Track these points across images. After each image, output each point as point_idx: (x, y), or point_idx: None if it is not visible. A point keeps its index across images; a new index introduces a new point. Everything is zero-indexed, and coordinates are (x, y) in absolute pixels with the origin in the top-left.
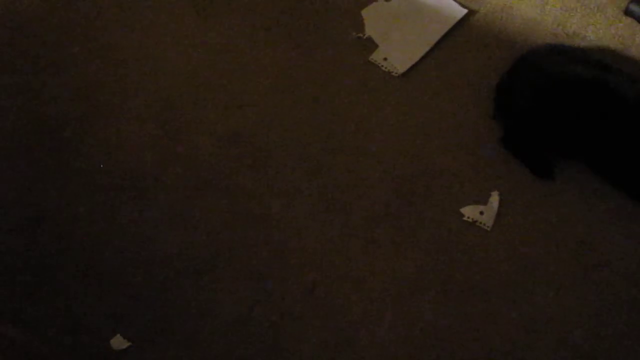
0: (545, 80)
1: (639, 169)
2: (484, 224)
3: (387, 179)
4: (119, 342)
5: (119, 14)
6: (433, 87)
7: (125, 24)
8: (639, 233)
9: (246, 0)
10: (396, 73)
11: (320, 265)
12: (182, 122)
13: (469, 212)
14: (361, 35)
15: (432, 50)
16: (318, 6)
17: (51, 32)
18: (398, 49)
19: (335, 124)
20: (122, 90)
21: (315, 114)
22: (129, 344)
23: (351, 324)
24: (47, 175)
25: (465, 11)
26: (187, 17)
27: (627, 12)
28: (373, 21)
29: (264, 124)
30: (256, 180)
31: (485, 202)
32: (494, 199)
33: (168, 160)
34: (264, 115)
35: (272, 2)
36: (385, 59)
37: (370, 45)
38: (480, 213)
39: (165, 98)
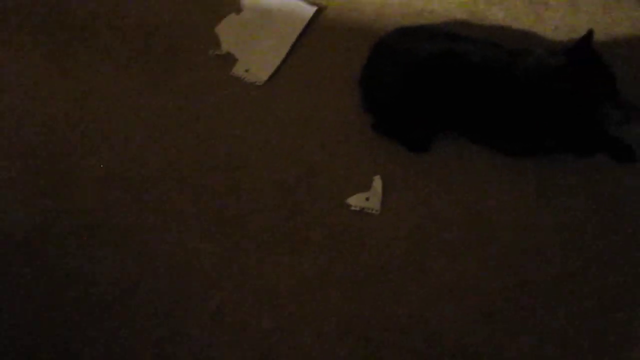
0: (400, 62)
1: (502, 124)
2: (372, 209)
3: (270, 187)
4: None
5: None
6: (299, 88)
7: None
8: (518, 185)
9: (99, 44)
10: (260, 82)
11: (223, 285)
12: (60, 171)
13: (355, 201)
14: (219, 52)
15: (290, 53)
16: (170, 34)
17: None
18: (257, 59)
19: (210, 143)
20: None
21: (187, 137)
22: None
23: (265, 336)
24: None
25: (314, 9)
26: (44, 67)
27: None
28: (228, 36)
29: (140, 158)
30: (140, 215)
31: (369, 188)
32: (377, 183)
33: (52, 214)
34: (138, 150)
35: (125, 37)
36: (246, 70)
37: (230, 60)
38: (366, 199)
39: (35, 151)
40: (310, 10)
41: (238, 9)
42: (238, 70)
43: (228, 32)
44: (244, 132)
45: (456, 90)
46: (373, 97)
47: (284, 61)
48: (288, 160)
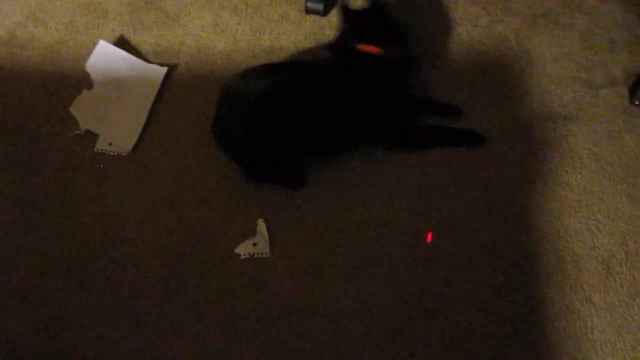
0: (240, 106)
1: (361, 117)
2: (262, 253)
3: (155, 257)
4: None
5: None
6: (166, 150)
7: None
8: (398, 195)
9: None
10: (126, 152)
11: None
12: None
13: (244, 249)
14: (78, 131)
15: (150, 117)
16: (25, 123)
17: None
18: (118, 130)
19: (87, 225)
20: None
21: (61, 223)
22: None
23: None
24: None
25: (165, 69)
26: None
27: (307, 11)
28: (84, 113)
29: (17, 253)
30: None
31: (255, 233)
32: (261, 227)
33: None
34: (14, 250)
35: None
36: (110, 144)
37: (92, 136)
38: (254, 245)
39: None
40: (161, 71)
41: (89, 84)
42: (101, 145)
43: (83, 110)
44: (118, 205)
45: (304, 112)
46: (228, 145)
47: (145, 127)
48: (169, 224)
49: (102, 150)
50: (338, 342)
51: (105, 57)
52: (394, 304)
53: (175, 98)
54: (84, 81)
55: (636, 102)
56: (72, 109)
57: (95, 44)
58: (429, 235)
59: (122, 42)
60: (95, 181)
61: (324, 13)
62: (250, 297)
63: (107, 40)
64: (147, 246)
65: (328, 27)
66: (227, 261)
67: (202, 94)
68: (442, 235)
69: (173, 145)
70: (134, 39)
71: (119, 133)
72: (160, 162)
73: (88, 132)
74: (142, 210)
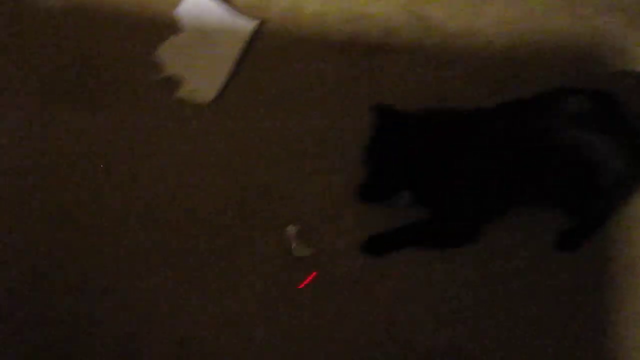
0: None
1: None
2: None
3: (225, 208)
4: None
5: None
6: (247, 105)
7: None
8: None
9: (32, 76)
10: (205, 102)
11: (185, 318)
12: None
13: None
14: (161, 76)
15: (236, 70)
16: (108, 62)
17: None
18: (201, 79)
19: (162, 169)
20: None
21: (138, 166)
22: None
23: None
24: None
25: (255, 22)
26: None
27: None
28: (169, 59)
29: (85, 201)
30: (90, 251)
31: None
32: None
33: None
34: (82, 192)
35: (57, 70)
36: (191, 91)
37: (175, 83)
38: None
39: None
40: (251, 24)
41: (177, 31)
42: (183, 92)
43: (169, 55)
44: (192, 153)
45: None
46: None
47: (230, 78)
48: (240, 181)
49: (182, 97)
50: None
51: (196, 4)
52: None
53: (262, 54)
54: (172, 27)
55: None
56: (158, 53)
57: None
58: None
59: None
60: (172, 127)
61: None
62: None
63: None
64: (218, 198)
65: (422, 0)
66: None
67: (289, 53)
68: None
69: (252, 102)
70: None
71: (201, 82)
72: (238, 118)
73: (171, 78)
74: (217, 162)
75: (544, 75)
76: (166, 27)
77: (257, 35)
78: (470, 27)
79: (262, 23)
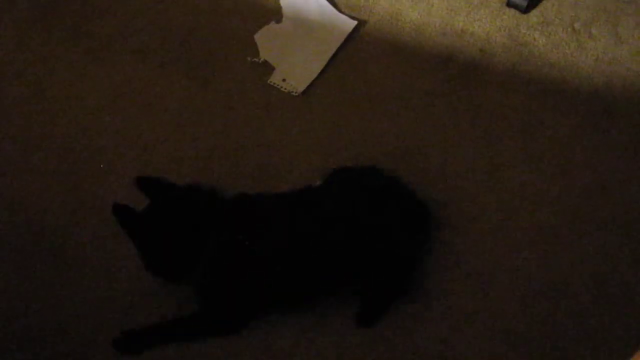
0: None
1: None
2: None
3: None
4: None
5: (4, 67)
6: (334, 101)
7: (23, 76)
8: None
9: (138, 41)
10: (296, 92)
11: None
12: (88, 170)
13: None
14: (257, 59)
15: (329, 65)
16: (209, 37)
17: None
18: (295, 69)
19: (242, 150)
20: (23, 141)
21: (220, 143)
22: None
23: None
24: None
25: (355, 23)
26: (79, 62)
27: (509, 3)
28: (267, 44)
29: (174, 160)
30: None
31: None
32: None
33: (78, 211)
34: (170, 153)
35: (163, 38)
36: (283, 79)
37: (268, 68)
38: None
39: (69, 145)
40: (351, 24)
41: (278, 18)
42: (275, 78)
43: (267, 40)
44: (275, 141)
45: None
46: None
47: (321, 73)
48: (315, 175)
49: (274, 84)
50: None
51: None
52: None
53: (357, 54)
54: (275, 13)
55: None
56: (256, 37)
57: None
58: None
59: None
60: (258, 111)
61: (526, 10)
62: None
63: None
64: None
65: (525, 25)
66: None
67: (384, 57)
68: None
69: (338, 100)
70: None
71: (295, 72)
72: (322, 113)
73: (265, 62)
74: (293, 151)
75: (637, 115)
76: (270, 11)
77: (352, 36)
78: (571, 60)
79: (360, 24)
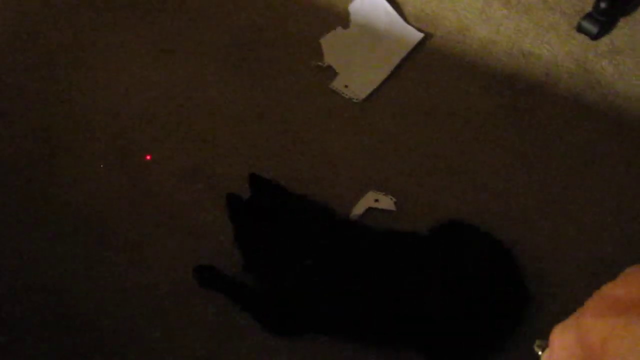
0: None
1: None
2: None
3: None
4: None
5: (79, 53)
6: (395, 112)
7: (85, 63)
8: None
9: (206, 37)
10: (357, 99)
11: None
12: (146, 162)
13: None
14: (321, 63)
15: (392, 75)
16: (276, 38)
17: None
18: (358, 76)
19: (301, 154)
20: (84, 130)
21: (279, 144)
22: None
23: None
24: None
25: (421, 35)
26: (149, 57)
27: (579, 28)
28: (332, 49)
29: (228, 157)
30: (218, 216)
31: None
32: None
33: (129, 199)
34: (227, 148)
35: (231, 36)
36: (346, 86)
37: (331, 73)
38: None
39: (125, 135)
40: (417, 36)
41: (345, 24)
42: (337, 84)
43: (332, 45)
44: (333, 146)
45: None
46: None
47: (383, 82)
48: (371, 183)
49: (336, 89)
50: None
51: (370, 3)
52: None
53: (420, 67)
54: (342, 19)
55: None
56: (322, 41)
57: None
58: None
59: None
60: (319, 115)
61: (596, 37)
62: None
63: None
64: (346, 192)
65: (593, 52)
66: None
67: (447, 72)
68: None
69: (400, 111)
70: None
71: (357, 79)
72: (383, 122)
73: (329, 67)
74: (349, 157)
75: None
76: (338, 16)
77: (418, 48)
78: (637, 91)
79: (427, 37)
